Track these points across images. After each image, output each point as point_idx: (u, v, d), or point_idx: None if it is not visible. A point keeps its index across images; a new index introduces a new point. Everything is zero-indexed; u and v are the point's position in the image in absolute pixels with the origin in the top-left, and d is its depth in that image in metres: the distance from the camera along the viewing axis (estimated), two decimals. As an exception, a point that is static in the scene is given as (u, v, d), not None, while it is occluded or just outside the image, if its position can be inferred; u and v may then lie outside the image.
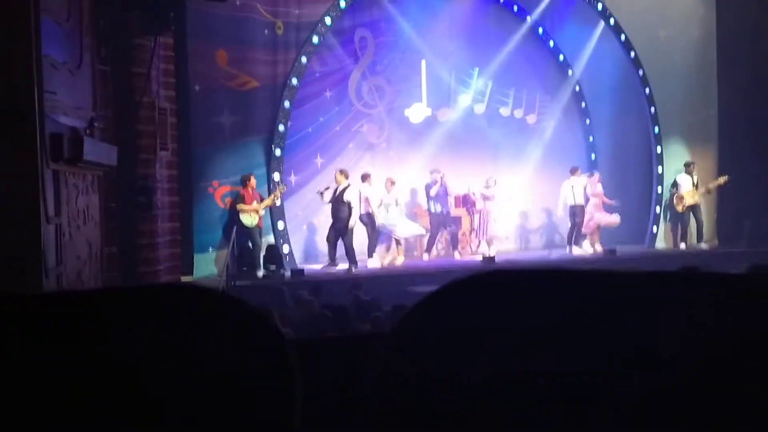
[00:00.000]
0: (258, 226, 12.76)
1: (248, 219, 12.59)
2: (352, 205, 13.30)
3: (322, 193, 13.48)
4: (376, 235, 13.87)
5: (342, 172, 13.51)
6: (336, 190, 13.33)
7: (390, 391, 0.77)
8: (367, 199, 13.64)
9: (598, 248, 15.44)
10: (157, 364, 0.82)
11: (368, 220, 13.74)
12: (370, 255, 13.78)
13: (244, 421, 0.80)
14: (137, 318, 0.84)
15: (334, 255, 13.42)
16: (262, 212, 12.80)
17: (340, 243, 13.45)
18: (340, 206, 13.26)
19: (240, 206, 12.60)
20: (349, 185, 13.34)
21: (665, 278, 0.81)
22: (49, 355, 0.82)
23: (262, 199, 12.86)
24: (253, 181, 12.78)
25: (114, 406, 0.80)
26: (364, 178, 13.90)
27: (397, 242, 14.23)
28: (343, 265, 13.25)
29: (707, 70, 17.07)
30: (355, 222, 13.41)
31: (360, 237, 13.85)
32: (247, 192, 12.68)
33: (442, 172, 14.66)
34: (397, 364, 0.78)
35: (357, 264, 13.21)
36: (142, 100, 10.66)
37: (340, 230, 13.31)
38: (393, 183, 14.16)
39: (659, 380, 0.75)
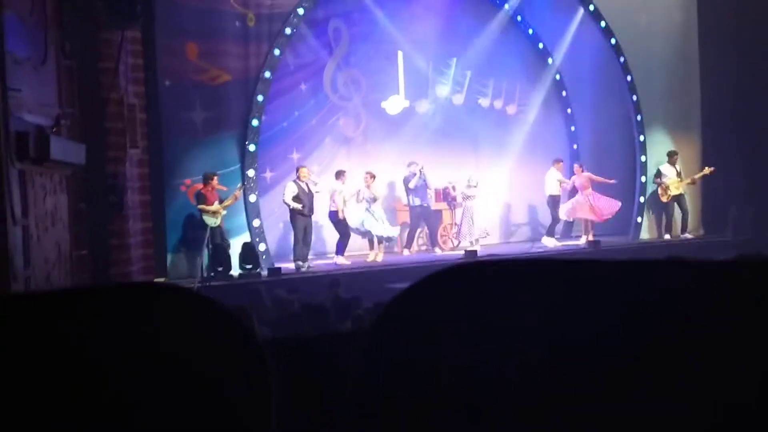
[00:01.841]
0: (220, 226, 12.64)
1: (210, 219, 12.46)
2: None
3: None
4: (347, 234, 13.81)
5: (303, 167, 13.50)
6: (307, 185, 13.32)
7: (372, 386, 0.77)
8: (336, 197, 13.59)
9: (590, 238, 15.52)
10: (128, 365, 0.81)
11: (339, 218, 13.70)
12: (340, 253, 13.76)
13: (219, 422, 0.80)
14: (108, 318, 0.84)
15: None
16: (224, 212, 12.67)
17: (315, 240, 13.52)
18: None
19: (201, 207, 12.49)
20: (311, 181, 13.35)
21: (643, 266, 0.82)
22: (17, 357, 0.81)
23: (221, 199, 12.73)
24: (215, 179, 12.64)
25: (84, 407, 0.80)
26: (338, 175, 13.87)
27: (378, 240, 14.23)
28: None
29: (689, 56, 17.20)
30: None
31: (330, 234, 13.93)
32: (208, 191, 12.56)
33: (421, 165, 14.70)
34: (378, 359, 0.78)
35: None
36: (109, 96, 10.60)
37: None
38: (373, 177, 14.16)
39: (638, 365, 0.75)
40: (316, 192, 13.44)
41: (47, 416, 0.79)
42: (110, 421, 0.79)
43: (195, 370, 0.81)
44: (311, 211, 13.31)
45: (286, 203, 13.18)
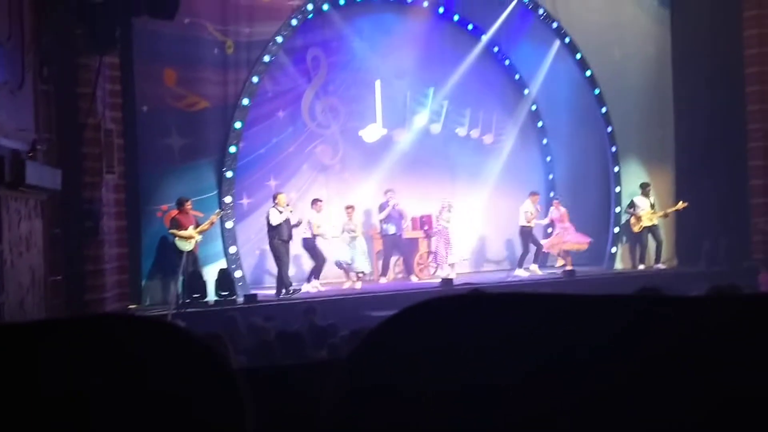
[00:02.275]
0: (194, 251, 12.56)
1: (183, 244, 12.37)
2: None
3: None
4: (320, 261, 13.76)
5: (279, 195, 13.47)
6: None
7: (348, 417, 0.76)
8: (309, 225, 13.57)
9: (568, 267, 15.59)
10: (96, 400, 0.79)
11: (310, 245, 13.66)
12: (308, 280, 13.72)
13: None
14: (75, 352, 0.82)
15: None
16: (198, 237, 12.59)
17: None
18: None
19: (173, 231, 12.41)
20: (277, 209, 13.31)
21: (622, 302, 0.82)
22: None
23: (198, 224, 12.68)
24: (189, 204, 12.55)
25: None
26: (314, 203, 13.85)
27: (356, 272, 14.26)
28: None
29: (663, 89, 17.37)
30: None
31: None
32: (182, 216, 12.46)
33: (395, 198, 14.79)
34: (354, 389, 0.78)
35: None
36: (87, 121, 10.56)
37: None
38: (353, 209, 14.18)
39: (610, 400, 0.75)
40: (293, 219, 13.42)
41: None
42: None
43: (165, 402, 0.80)
44: (291, 237, 13.27)
45: (273, 226, 13.08)
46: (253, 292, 13.08)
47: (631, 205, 16.50)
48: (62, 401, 0.79)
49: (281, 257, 13.16)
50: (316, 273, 13.79)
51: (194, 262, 12.57)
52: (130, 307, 12.01)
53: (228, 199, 13.42)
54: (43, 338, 0.84)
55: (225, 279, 12.68)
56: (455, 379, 0.77)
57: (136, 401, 0.80)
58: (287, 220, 13.10)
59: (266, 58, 13.81)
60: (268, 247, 14.44)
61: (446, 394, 0.76)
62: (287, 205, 13.39)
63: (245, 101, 13.60)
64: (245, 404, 0.81)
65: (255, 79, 13.70)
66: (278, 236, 13.07)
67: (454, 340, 0.79)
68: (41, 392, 0.80)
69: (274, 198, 13.34)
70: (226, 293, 12.47)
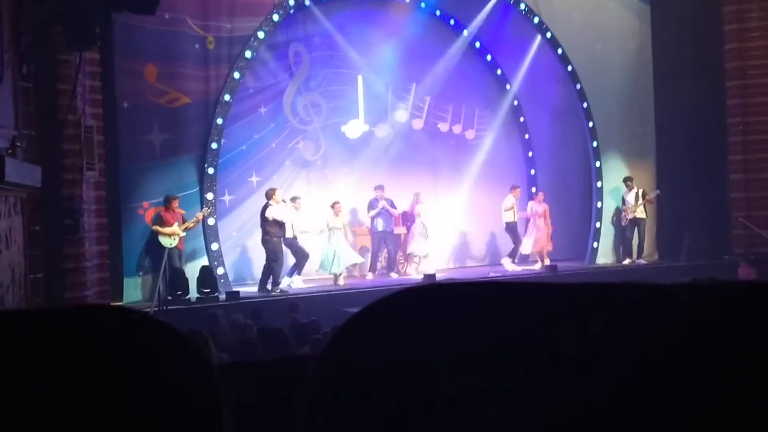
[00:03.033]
0: (178, 247, 12.55)
1: (167, 240, 12.36)
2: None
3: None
4: (301, 258, 13.74)
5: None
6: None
7: (321, 413, 0.77)
8: (291, 223, 13.53)
9: (547, 263, 15.64)
10: (73, 390, 0.80)
11: (291, 243, 13.67)
12: (290, 275, 13.70)
13: None
14: (55, 341, 0.82)
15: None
16: (182, 234, 12.59)
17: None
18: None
19: (156, 228, 12.40)
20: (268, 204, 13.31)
21: (600, 289, 0.82)
22: None
23: (183, 221, 12.67)
24: (176, 201, 12.58)
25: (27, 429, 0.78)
26: (294, 200, 13.84)
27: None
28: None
29: (644, 84, 17.45)
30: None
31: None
32: (168, 213, 12.47)
33: (385, 196, 14.87)
34: (327, 386, 0.78)
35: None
36: (67, 118, 10.51)
37: None
38: (340, 205, 14.17)
39: (591, 389, 0.75)
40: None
41: None
42: None
43: (142, 393, 0.80)
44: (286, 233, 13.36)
45: (279, 221, 13.12)
46: (236, 289, 13.06)
47: (623, 202, 16.52)
48: (40, 390, 0.80)
49: (277, 254, 13.19)
50: (298, 269, 13.79)
51: (178, 258, 12.56)
52: (112, 304, 11.97)
53: (210, 196, 13.39)
54: (22, 327, 0.84)
55: (207, 276, 12.66)
56: (427, 376, 0.77)
57: (113, 392, 0.80)
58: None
59: (248, 54, 13.78)
60: (249, 244, 14.47)
61: (416, 392, 0.76)
62: (283, 201, 13.40)
63: (227, 97, 13.56)
64: (223, 398, 0.81)
65: (236, 75, 13.67)
66: (276, 233, 13.10)
67: (428, 334, 0.78)
68: (15, 383, 0.80)
69: (269, 195, 13.31)
70: (208, 290, 12.45)
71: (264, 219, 13.17)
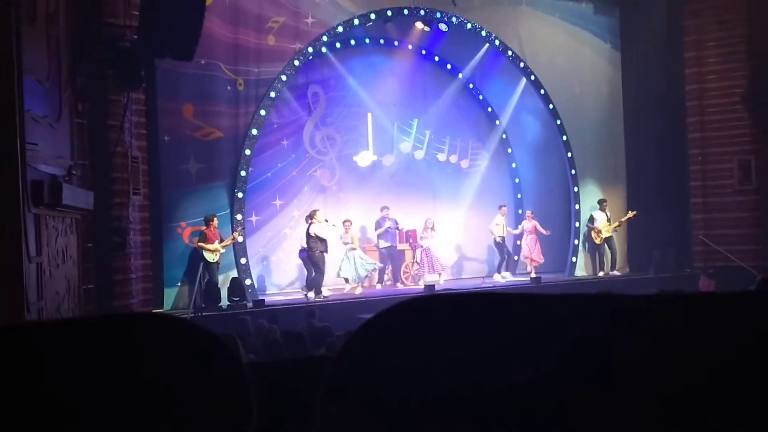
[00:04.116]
0: (217, 262, 12.59)
1: (210, 256, 12.42)
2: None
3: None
4: (320, 272, 13.51)
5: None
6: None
7: (334, 405, 0.77)
8: (312, 236, 13.42)
9: (533, 274, 15.62)
10: (126, 385, 0.80)
11: (307, 255, 13.62)
12: (309, 289, 13.55)
13: None
14: (111, 345, 0.83)
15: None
16: (222, 250, 12.63)
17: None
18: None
19: (201, 244, 12.43)
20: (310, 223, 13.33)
21: (576, 300, 0.82)
22: (29, 381, 0.80)
23: (222, 239, 12.69)
24: (215, 221, 12.63)
25: (91, 416, 0.79)
26: (310, 216, 13.81)
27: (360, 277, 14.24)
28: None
29: (615, 120, 17.47)
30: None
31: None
32: (209, 231, 12.51)
33: (392, 217, 14.91)
34: (340, 383, 0.77)
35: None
36: (116, 149, 10.56)
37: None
38: (350, 223, 14.16)
39: (574, 390, 0.75)
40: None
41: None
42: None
43: (183, 388, 0.81)
44: (327, 248, 13.41)
45: (321, 238, 13.15)
46: (261, 297, 13.05)
47: (591, 219, 16.54)
48: (96, 388, 0.80)
49: (320, 265, 13.20)
50: (309, 283, 13.67)
51: (216, 271, 12.57)
52: (154, 311, 11.96)
53: (239, 217, 13.40)
54: (79, 333, 0.85)
55: (236, 286, 12.65)
56: (429, 380, 0.76)
57: (158, 387, 0.81)
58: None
59: (272, 94, 13.83)
60: (273, 259, 14.48)
61: (419, 396, 0.75)
62: (326, 221, 13.41)
63: (254, 131, 13.61)
64: (251, 393, 0.81)
65: (262, 112, 13.72)
66: (320, 248, 13.11)
67: (425, 341, 0.78)
68: (78, 380, 0.80)
69: (312, 215, 13.33)
70: (238, 299, 12.44)
71: (308, 236, 13.20)
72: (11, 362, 0.81)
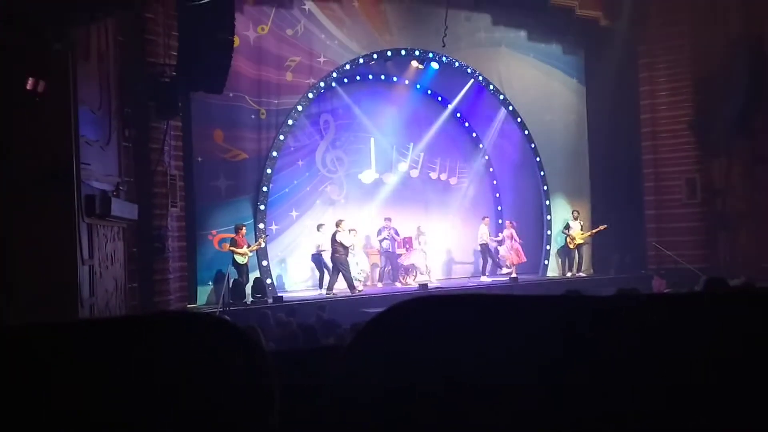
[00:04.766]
0: (246, 264, 12.57)
1: (240, 258, 12.40)
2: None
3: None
4: (345, 270, 13.32)
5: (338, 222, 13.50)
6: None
7: (343, 401, 0.76)
8: (338, 242, 13.30)
9: (514, 274, 15.59)
10: (166, 372, 0.80)
11: (317, 259, 13.58)
12: (320, 287, 13.50)
13: (231, 413, 0.80)
14: (154, 339, 0.83)
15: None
16: (250, 254, 12.63)
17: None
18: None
19: (232, 249, 12.41)
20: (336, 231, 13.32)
21: (552, 300, 0.80)
22: (84, 373, 0.79)
23: (249, 245, 12.68)
24: (243, 229, 12.62)
25: (123, 406, 0.78)
26: (319, 227, 13.79)
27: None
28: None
29: (581, 144, 17.50)
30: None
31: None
32: (239, 238, 12.49)
33: (391, 225, 14.93)
34: (347, 378, 0.77)
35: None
36: (156, 169, 10.58)
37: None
38: (356, 231, 14.15)
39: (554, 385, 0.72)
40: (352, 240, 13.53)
41: (103, 419, 0.77)
42: (142, 417, 0.78)
43: (212, 374, 0.81)
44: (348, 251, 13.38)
45: (344, 244, 13.10)
46: (280, 294, 13.01)
47: (567, 227, 16.52)
48: (138, 377, 0.80)
49: (344, 265, 13.16)
50: (321, 281, 13.67)
51: (246, 272, 12.54)
52: (188, 306, 11.94)
53: (261, 226, 13.38)
54: (133, 329, 0.85)
55: (259, 285, 12.63)
56: (422, 366, 0.74)
57: (191, 374, 0.80)
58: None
59: (290, 122, 13.85)
60: (289, 262, 14.45)
61: (419, 385, 0.74)
62: (350, 230, 13.40)
63: (274, 153, 13.61)
64: (273, 377, 0.81)
65: (281, 137, 13.73)
66: (343, 252, 13.11)
67: (425, 338, 0.77)
68: (125, 372, 0.79)
69: (338, 224, 13.32)
70: (260, 296, 12.41)
71: (334, 241, 13.16)
72: (60, 358, 0.80)
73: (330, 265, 13.47)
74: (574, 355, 0.74)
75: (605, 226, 16.01)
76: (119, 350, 0.82)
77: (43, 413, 0.77)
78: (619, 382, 0.72)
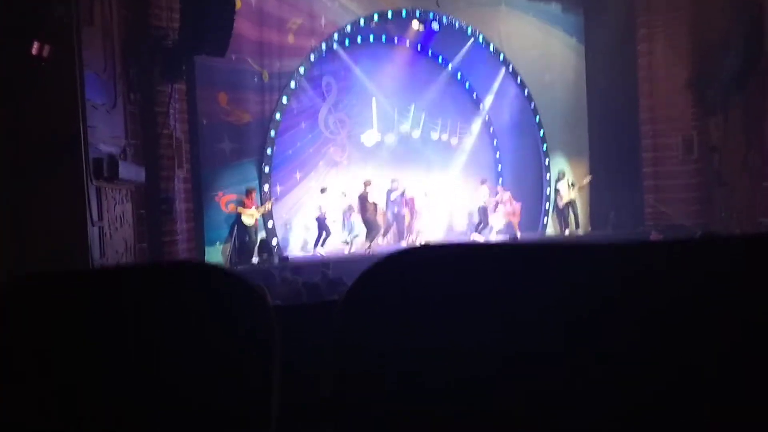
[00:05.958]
0: (254, 225, 12.62)
1: (248, 219, 12.44)
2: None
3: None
4: (329, 232, 13.58)
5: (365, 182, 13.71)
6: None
7: (342, 354, 0.76)
8: (320, 206, 13.51)
9: (517, 234, 15.63)
10: (173, 322, 0.80)
11: (324, 221, 13.64)
12: (322, 245, 13.58)
13: (237, 362, 0.81)
14: (162, 287, 0.83)
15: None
16: (257, 215, 12.66)
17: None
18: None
19: (240, 209, 12.45)
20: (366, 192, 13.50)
21: (559, 249, 0.74)
22: (89, 318, 0.79)
23: (257, 206, 12.69)
24: (253, 193, 12.66)
25: (131, 359, 0.78)
26: (323, 191, 13.82)
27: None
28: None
29: (580, 103, 17.36)
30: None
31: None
32: (248, 200, 12.53)
33: (402, 185, 14.93)
34: (345, 330, 0.75)
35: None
36: (162, 132, 10.54)
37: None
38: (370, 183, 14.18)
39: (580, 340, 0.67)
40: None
41: (101, 370, 0.77)
42: (147, 370, 0.77)
43: (224, 325, 0.81)
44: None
45: (376, 203, 13.40)
46: (285, 254, 13.08)
47: (556, 190, 16.51)
48: (149, 323, 0.80)
49: (372, 224, 13.45)
50: (323, 241, 13.74)
51: (254, 233, 12.59)
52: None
53: (266, 188, 13.38)
54: (140, 277, 0.84)
55: (265, 245, 12.68)
56: (428, 328, 0.71)
57: (203, 321, 0.81)
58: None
59: (292, 84, 13.73)
60: (294, 222, 14.48)
61: (420, 344, 0.71)
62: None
63: (277, 116, 13.53)
64: (276, 329, 0.82)
65: (284, 100, 13.62)
66: (375, 210, 13.34)
67: (423, 288, 0.74)
68: (132, 320, 0.79)
69: (366, 183, 13.54)
70: (266, 255, 12.48)
71: (363, 199, 13.41)
72: (75, 303, 0.81)
73: (330, 228, 13.61)
74: (599, 309, 0.67)
75: (589, 177, 15.98)
76: (136, 296, 0.81)
77: (56, 356, 0.78)
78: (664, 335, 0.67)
